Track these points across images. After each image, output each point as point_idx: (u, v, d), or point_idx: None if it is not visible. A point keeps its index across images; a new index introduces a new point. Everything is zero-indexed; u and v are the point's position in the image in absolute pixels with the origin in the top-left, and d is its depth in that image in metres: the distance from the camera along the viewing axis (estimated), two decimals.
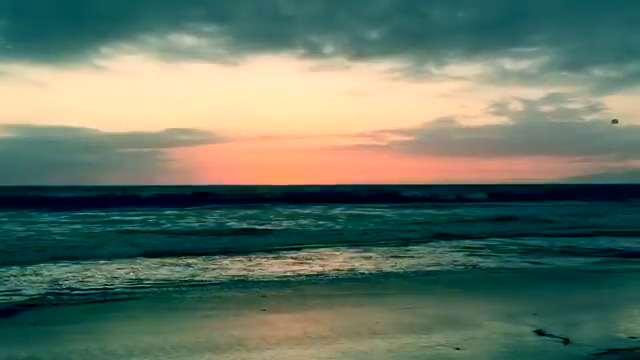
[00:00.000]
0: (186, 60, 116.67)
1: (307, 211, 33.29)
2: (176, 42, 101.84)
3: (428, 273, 11.08)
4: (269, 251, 14.22)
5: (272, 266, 11.95)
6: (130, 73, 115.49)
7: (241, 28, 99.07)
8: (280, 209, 35.23)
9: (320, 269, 11.52)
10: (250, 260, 12.71)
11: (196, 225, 22.50)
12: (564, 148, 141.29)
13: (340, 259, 13.01)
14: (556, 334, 6.32)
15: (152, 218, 26.25)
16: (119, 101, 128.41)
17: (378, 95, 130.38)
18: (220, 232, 18.49)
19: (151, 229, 20.39)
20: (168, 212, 31.29)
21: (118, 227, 20.98)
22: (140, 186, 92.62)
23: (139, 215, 28.30)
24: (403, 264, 12.24)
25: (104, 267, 11.50)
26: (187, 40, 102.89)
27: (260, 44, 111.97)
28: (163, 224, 22.93)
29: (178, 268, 11.56)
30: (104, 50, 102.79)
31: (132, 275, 10.55)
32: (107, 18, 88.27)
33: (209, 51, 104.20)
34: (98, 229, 19.93)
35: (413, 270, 11.43)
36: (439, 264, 12.28)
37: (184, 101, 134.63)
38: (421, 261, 12.69)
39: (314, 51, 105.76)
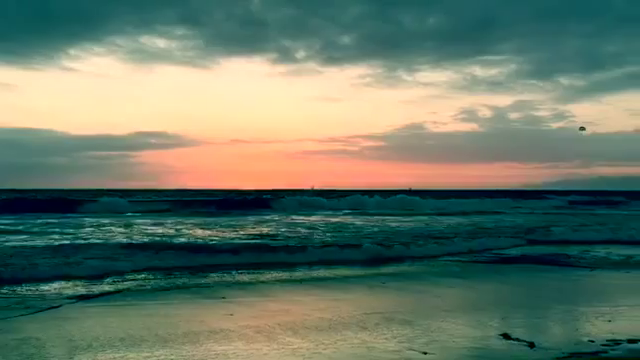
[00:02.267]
0: (156, 63, 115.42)
1: (268, 217, 33.15)
2: (146, 44, 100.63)
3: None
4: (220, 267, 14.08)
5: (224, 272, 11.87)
6: (99, 75, 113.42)
7: (213, 31, 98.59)
8: (248, 215, 34.94)
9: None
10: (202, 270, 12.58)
11: (153, 231, 22.15)
12: (532, 155, 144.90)
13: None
14: (522, 338, 6.42)
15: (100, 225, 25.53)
16: (88, 103, 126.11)
17: (349, 100, 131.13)
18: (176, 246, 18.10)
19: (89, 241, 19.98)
20: (132, 220, 30.69)
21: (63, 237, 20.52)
22: (106, 190, 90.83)
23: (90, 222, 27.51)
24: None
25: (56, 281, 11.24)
26: (158, 42, 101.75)
27: (232, 48, 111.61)
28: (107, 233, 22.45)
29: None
30: (73, 52, 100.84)
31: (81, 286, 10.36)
32: (76, 19, 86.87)
33: (180, 54, 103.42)
34: (58, 239, 19.42)
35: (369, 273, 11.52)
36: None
37: (154, 104, 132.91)
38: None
39: (286, 56, 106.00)
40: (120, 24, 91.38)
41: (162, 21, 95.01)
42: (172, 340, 6.32)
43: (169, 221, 27.02)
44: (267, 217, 31.95)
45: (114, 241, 16.77)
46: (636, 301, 8.97)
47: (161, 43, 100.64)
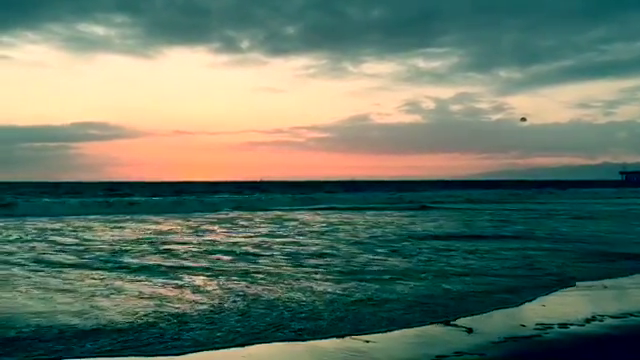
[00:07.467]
0: (95, 51, 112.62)
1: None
2: (84, 32, 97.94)
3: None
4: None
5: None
6: (35, 63, 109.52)
7: (154, 20, 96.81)
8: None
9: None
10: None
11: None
12: (472, 146, 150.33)
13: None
14: (460, 324, 6.63)
15: None
16: (23, 93, 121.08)
17: (294, 91, 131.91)
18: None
19: None
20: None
21: None
22: (44, 182, 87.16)
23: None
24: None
25: None
26: (96, 30, 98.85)
27: (174, 37, 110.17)
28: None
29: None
30: (6, 39, 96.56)
31: None
32: (8, 5, 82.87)
33: (120, 42, 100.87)
34: None
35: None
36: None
37: (94, 94, 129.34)
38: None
39: (230, 46, 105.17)
40: (56, 10, 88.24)
41: (100, 8, 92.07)
42: None
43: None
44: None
45: None
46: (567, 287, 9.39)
47: (100, 31, 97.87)
